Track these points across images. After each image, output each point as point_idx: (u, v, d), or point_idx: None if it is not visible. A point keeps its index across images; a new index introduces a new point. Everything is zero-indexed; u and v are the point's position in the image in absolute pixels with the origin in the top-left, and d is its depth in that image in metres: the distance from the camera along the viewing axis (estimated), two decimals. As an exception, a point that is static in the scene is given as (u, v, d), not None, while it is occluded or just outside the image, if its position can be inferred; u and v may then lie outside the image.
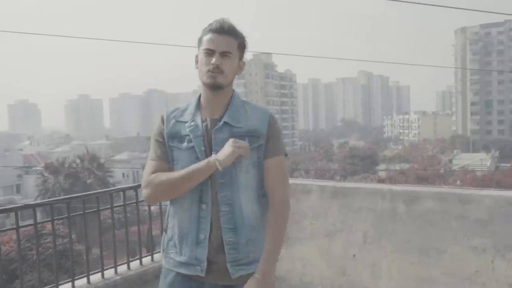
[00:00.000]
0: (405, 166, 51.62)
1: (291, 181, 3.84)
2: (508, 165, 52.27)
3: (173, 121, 1.91)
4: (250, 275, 1.81)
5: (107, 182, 33.77)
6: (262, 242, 1.84)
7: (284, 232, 1.88)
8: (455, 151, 68.65)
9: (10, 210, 3.64)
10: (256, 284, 1.77)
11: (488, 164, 54.44)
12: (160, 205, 4.39)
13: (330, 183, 3.76)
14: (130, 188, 4.42)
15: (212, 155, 1.78)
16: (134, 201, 4.32)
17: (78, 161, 35.44)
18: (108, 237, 4.14)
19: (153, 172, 1.87)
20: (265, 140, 1.86)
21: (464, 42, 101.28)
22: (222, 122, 1.84)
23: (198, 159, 1.81)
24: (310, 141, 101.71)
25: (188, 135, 1.85)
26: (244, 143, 1.78)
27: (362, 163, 54.63)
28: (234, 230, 1.81)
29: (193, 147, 1.83)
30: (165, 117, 1.94)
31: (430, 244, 3.19)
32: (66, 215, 3.81)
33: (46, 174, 34.23)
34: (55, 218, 3.77)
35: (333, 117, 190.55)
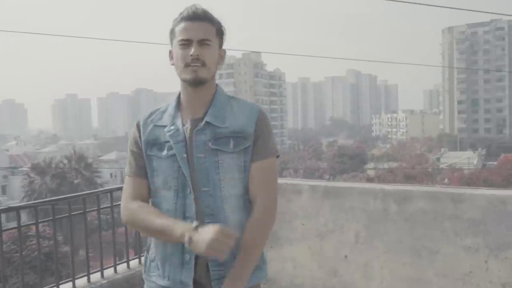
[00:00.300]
0: (394, 164, 52.00)
1: (282, 181, 3.78)
2: (495, 163, 52.91)
3: (151, 126, 1.68)
4: None
5: (95, 182, 33.46)
6: None
7: (260, 250, 1.66)
8: (442, 149, 69.34)
9: (13, 209, 3.53)
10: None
11: (475, 162, 55.06)
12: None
13: (322, 183, 3.70)
14: (118, 189, 4.32)
15: (194, 224, 1.51)
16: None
17: (65, 161, 35.12)
18: (95, 239, 4.04)
19: (131, 194, 1.68)
20: (253, 141, 1.63)
21: (451, 41, 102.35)
22: (204, 122, 1.62)
23: (180, 169, 1.61)
24: (299, 140, 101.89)
25: (168, 141, 1.63)
26: (231, 237, 1.47)
27: (351, 162, 54.93)
28: None
29: (173, 154, 1.62)
30: (141, 123, 1.70)
31: (422, 245, 3.15)
32: (51, 218, 3.71)
33: (32, 174, 33.85)
34: (39, 220, 3.66)
35: (322, 116, 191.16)
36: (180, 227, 1.53)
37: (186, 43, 1.59)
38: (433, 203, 3.12)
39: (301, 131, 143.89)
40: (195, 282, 1.64)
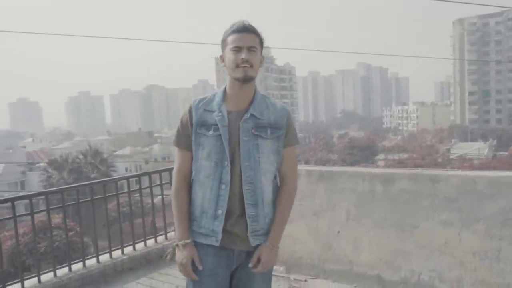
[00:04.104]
0: (404, 155, 51.93)
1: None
2: (506, 153, 52.61)
3: (201, 110, 2.10)
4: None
5: (111, 176, 33.96)
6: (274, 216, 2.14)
7: (290, 210, 2.17)
8: (453, 140, 68.92)
9: (24, 197, 4.00)
10: (267, 251, 2.08)
11: (486, 152, 54.76)
12: (162, 197, 4.76)
13: (317, 168, 4.12)
14: (134, 176, 4.79)
15: (181, 245, 2.12)
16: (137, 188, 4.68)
17: (81, 156, 35.61)
18: (114, 229, 4.49)
19: (179, 167, 2.14)
20: (285, 131, 2.11)
21: (462, 32, 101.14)
22: (249, 114, 2.06)
23: (222, 146, 2.04)
24: (310, 133, 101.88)
25: (215, 124, 2.05)
26: (185, 262, 2.09)
27: (361, 154, 54.97)
28: (255, 205, 2.05)
29: (219, 135, 2.04)
30: (193, 106, 2.12)
31: (404, 220, 3.55)
32: (76, 201, 4.18)
33: (50, 170, 34.47)
34: (66, 204, 4.14)
35: (332, 109, 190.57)
36: (178, 232, 2.12)
37: (237, 49, 2.02)
38: (414, 184, 3.52)
39: (312, 124, 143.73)
40: (230, 232, 2.08)
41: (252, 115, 2.06)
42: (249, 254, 2.11)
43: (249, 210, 2.05)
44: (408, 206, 3.53)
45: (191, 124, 2.10)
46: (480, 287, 3.29)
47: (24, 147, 74.43)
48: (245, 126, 2.05)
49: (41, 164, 41.89)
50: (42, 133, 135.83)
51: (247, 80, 2.04)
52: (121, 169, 40.77)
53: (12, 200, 3.76)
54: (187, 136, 2.12)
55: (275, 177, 2.14)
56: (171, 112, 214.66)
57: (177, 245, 2.12)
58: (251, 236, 2.07)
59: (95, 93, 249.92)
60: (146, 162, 50.69)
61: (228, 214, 2.06)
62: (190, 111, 2.12)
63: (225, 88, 2.13)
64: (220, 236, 2.06)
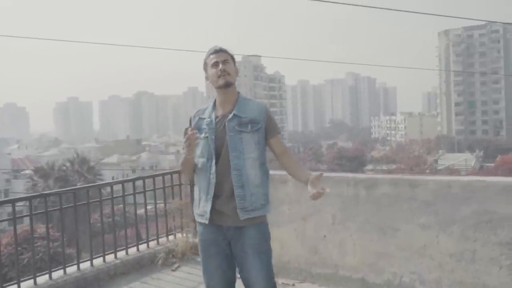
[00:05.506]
0: (392, 166, 52.46)
1: (270, 172, 4.37)
2: (492, 164, 53.40)
3: (197, 118, 2.70)
4: (254, 219, 2.55)
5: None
6: (261, 196, 2.59)
7: (298, 164, 2.78)
8: (440, 151, 69.76)
9: (7, 202, 4.09)
10: (314, 180, 2.52)
11: (473, 163, 55.55)
12: (155, 203, 4.90)
13: (304, 174, 4.28)
14: (128, 181, 4.93)
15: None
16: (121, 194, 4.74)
17: (68, 164, 35.39)
18: (106, 235, 4.56)
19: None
20: (265, 124, 2.61)
21: (447, 44, 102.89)
22: (232, 114, 2.58)
23: (209, 145, 2.58)
24: (299, 142, 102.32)
25: (205, 128, 2.61)
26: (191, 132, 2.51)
27: (350, 164, 55.41)
28: (242, 187, 2.53)
29: (207, 136, 2.58)
30: (192, 117, 2.73)
31: (386, 224, 3.74)
32: (73, 204, 4.30)
33: (35, 177, 34.16)
34: (63, 206, 4.25)
35: (321, 118, 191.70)
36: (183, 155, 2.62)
37: (216, 64, 2.60)
38: (394, 188, 3.71)
39: (301, 133, 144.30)
40: (221, 212, 2.56)
41: (235, 115, 2.58)
42: (237, 229, 2.56)
43: (237, 191, 2.53)
44: (389, 210, 3.72)
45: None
46: (457, 288, 3.48)
47: (9, 153, 73.49)
48: (230, 124, 2.57)
49: (27, 171, 41.45)
50: (29, 140, 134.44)
51: (228, 85, 2.59)
52: (108, 178, 40.37)
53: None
54: None
55: (262, 164, 2.61)
56: (160, 118, 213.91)
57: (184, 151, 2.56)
58: (240, 212, 2.52)
59: (83, 99, 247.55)
60: (133, 171, 50.50)
61: (217, 196, 2.55)
62: (190, 121, 2.73)
63: (215, 100, 2.69)
64: (208, 215, 2.57)
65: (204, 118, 2.63)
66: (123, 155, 68.07)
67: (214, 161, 2.56)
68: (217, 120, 2.60)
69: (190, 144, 2.51)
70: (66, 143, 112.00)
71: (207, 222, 2.58)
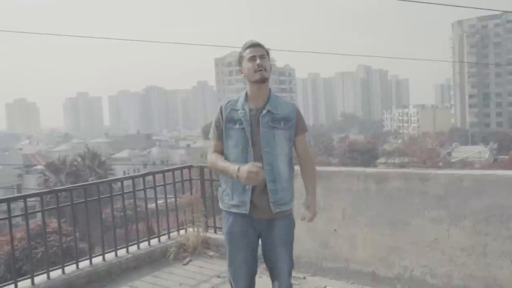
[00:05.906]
0: (405, 159, 52.06)
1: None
2: (506, 157, 52.73)
3: (229, 109, 2.68)
4: (283, 212, 2.64)
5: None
6: (290, 190, 2.67)
7: (316, 179, 2.81)
8: (454, 144, 69.11)
9: (19, 198, 4.12)
10: (311, 207, 2.72)
11: (487, 156, 54.95)
12: (166, 197, 4.91)
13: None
14: (138, 176, 4.96)
15: (239, 168, 2.46)
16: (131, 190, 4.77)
17: (79, 159, 35.73)
18: (118, 229, 4.59)
19: (213, 150, 2.70)
20: (295, 123, 2.67)
21: (461, 35, 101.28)
22: (266, 110, 2.61)
23: (246, 136, 2.59)
24: (310, 136, 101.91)
25: (240, 119, 2.62)
26: (256, 169, 2.41)
27: (362, 157, 55.10)
28: (274, 181, 2.60)
29: (243, 128, 2.61)
30: (223, 107, 2.70)
31: (397, 218, 3.72)
32: (83, 200, 4.35)
33: (47, 173, 34.56)
34: (74, 202, 4.31)
35: (332, 112, 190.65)
36: (231, 168, 2.52)
37: (253, 58, 2.61)
38: (405, 182, 3.69)
39: (312, 127, 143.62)
40: (255, 204, 2.61)
41: (268, 110, 2.62)
42: (268, 222, 2.65)
43: (269, 185, 2.59)
44: (400, 204, 3.71)
45: (222, 120, 2.66)
46: (468, 281, 3.46)
47: (21, 149, 74.33)
48: (264, 119, 2.61)
49: (38, 167, 41.88)
50: (40, 135, 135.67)
51: (264, 80, 2.61)
52: (119, 172, 40.85)
53: (8, 200, 3.85)
54: (219, 130, 2.68)
55: (290, 159, 2.68)
56: (170, 113, 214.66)
57: (237, 176, 2.48)
58: (273, 205, 2.60)
59: (93, 94, 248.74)
60: (144, 166, 50.85)
61: (253, 189, 2.60)
62: (221, 111, 2.70)
63: (246, 91, 2.70)
64: (248, 206, 2.61)
65: (237, 110, 2.64)
66: (133, 150, 68.56)
67: (251, 153, 2.59)
68: (251, 113, 2.62)
69: (253, 179, 2.42)
70: (77, 138, 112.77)
71: (247, 212, 2.62)
